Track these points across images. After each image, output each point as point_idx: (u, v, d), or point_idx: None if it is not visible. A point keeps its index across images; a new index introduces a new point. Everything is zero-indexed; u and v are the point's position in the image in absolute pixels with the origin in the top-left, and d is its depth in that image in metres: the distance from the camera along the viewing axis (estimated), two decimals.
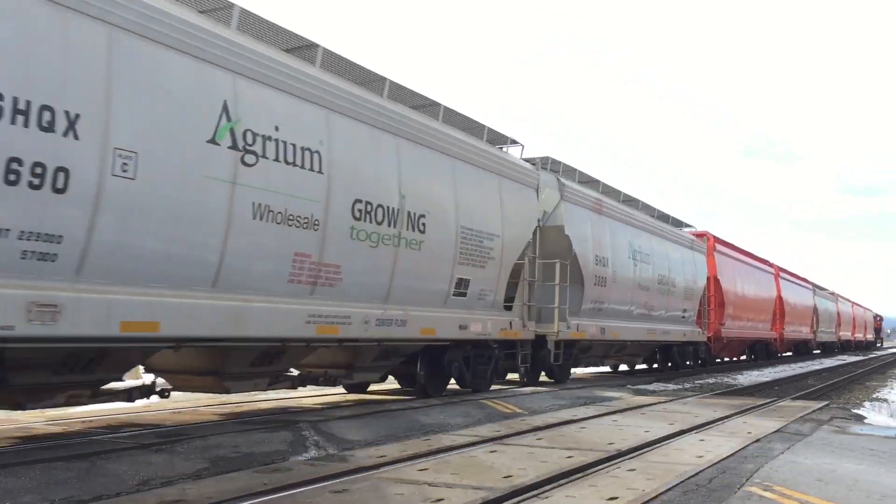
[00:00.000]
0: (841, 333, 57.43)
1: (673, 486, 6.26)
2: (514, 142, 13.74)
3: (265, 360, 9.14)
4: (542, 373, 16.37)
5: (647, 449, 8.18)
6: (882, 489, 6.61)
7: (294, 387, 10.17)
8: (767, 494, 6.09)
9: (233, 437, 7.76)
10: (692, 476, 6.69)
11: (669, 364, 23.75)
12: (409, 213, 10.36)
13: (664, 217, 22.94)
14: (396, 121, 10.34)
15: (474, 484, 6.21)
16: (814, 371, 29.81)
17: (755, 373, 25.80)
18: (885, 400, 19.47)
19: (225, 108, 7.64)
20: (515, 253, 13.45)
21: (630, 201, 20.55)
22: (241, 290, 7.99)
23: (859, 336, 71.80)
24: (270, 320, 8.37)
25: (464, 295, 11.83)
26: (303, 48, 9.36)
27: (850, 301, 66.69)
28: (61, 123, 6.14)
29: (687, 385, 18.92)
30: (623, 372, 23.21)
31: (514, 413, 11.13)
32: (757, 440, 9.02)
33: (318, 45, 9.37)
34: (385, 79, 10.51)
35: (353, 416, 9.55)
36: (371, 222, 9.68)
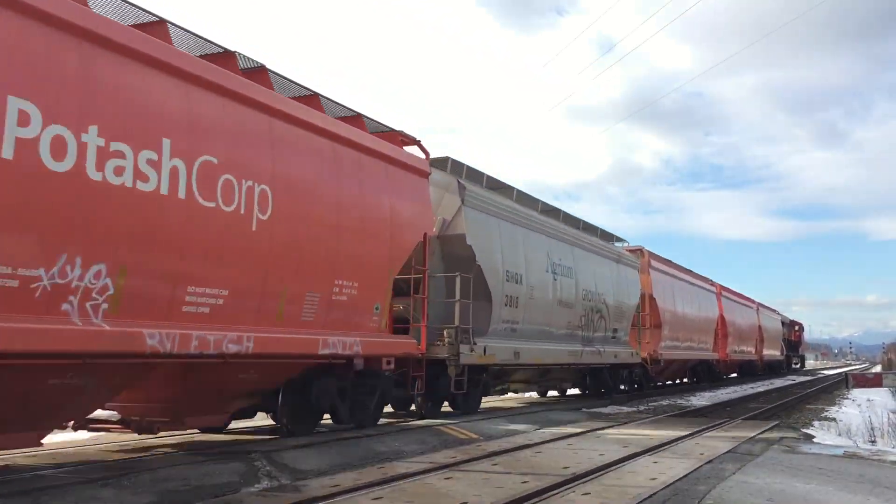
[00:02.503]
0: (667, 347, 26.20)
1: None
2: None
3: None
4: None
5: (602, 472, 8.21)
6: None
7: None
8: None
9: (183, 470, 7.58)
10: (646, 499, 6.72)
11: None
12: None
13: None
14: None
15: None
16: (764, 392, 30.31)
17: (707, 394, 26.13)
18: (834, 419, 19.87)
19: None
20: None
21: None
22: None
23: (745, 351, 40.31)
24: None
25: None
26: None
27: (709, 286, 34.65)
28: None
29: (641, 407, 19.09)
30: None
31: (469, 439, 11.09)
32: (709, 461, 9.11)
33: None
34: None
35: (307, 445, 9.42)
36: None
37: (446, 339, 13.12)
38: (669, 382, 31.62)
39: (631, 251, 24.57)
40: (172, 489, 6.84)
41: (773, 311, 54.53)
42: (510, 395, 20.08)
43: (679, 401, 22.43)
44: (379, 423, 11.98)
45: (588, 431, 12.43)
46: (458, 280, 13.42)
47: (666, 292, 26.92)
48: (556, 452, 9.87)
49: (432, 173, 13.09)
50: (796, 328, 66.29)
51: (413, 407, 14.03)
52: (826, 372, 72.59)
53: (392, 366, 11.68)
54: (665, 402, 21.26)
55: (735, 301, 40.08)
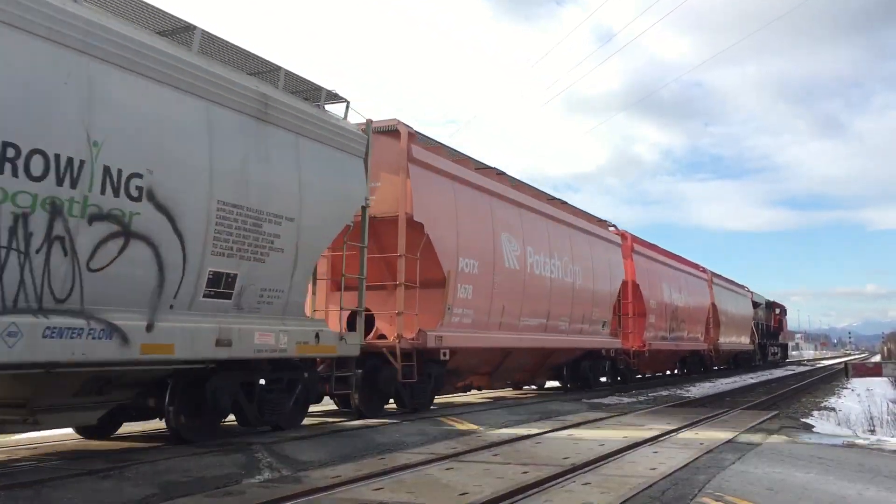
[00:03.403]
0: (465, 323, 13.41)
1: (627, 499, 6.30)
2: None
3: None
4: None
5: (602, 462, 8.23)
6: (830, 497, 6.74)
7: None
8: None
9: (184, 461, 7.60)
10: (646, 488, 6.74)
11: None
12: None
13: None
14: None
15: (430, 502, 6.19)
16: (762, 382, 30.37)
17: (706, 384, 26.15)
18: (833, 409, 19.94)
19: None
20: None
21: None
22: None
23: (684, 338, 28.18)
24: None
25: None
26: None
27: (611, 236, 21.84)
28: None
29: (641, 398, 19.12)
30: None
31: (470, 430, 11.11)
32: (709, 451, 9.13)
33: None
34: None
35: (308, 437, 9.45)
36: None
37: None
38: (498, 395, 18.55)
39: (378, 127, 12.01)
40: (174, 481, 6.86)
41: (740, 286, 40.18)
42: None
43: (679, 391, 22.49)
44: None
45: (589, 422, 12.46)
46: None
47: (476, 219, 14.20)
48: (556, 443, 9.90)
49: None
50: (776, 311, 52.80)
51: None
52: (824, 362, 72.53)
53: None
54: (665, 393, 21.32)
55: (664, 265, 26.59)
